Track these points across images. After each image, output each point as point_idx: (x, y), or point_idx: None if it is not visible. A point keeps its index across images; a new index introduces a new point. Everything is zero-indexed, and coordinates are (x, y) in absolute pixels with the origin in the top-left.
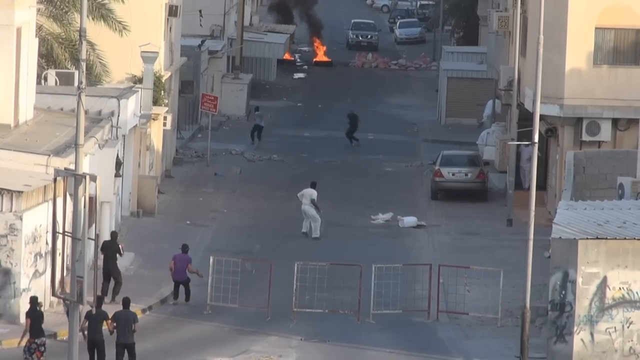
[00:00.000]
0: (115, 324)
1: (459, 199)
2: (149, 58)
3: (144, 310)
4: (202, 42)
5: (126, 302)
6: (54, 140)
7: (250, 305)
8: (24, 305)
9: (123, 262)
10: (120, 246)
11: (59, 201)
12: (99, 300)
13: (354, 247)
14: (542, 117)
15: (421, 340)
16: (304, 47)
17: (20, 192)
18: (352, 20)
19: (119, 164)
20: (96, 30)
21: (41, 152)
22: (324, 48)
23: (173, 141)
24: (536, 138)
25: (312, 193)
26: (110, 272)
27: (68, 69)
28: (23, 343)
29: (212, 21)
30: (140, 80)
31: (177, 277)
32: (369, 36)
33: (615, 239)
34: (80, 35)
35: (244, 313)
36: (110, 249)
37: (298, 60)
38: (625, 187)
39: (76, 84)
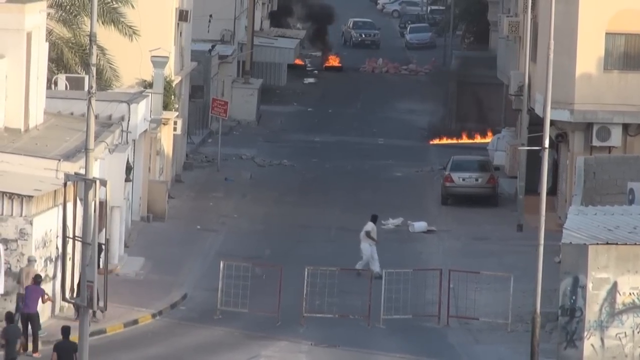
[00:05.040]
0: (56, 355)
1: (469, 204)
2: (159, 63)
3: (154, 315)
4: (213, 46)
5: (65, 332)
6: (64, 145)
7: (260, 310)
8: None
9: (133, 266)
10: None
11: (69, 206)
12: (66, 331)
13: None
14: (552, 122)
15: (431, 346)
16: (315, 52)
17: (30, 197)
18: (351, 20)
19: (129, 169)
20: (106, 35)
21: (51, 156)
22: (337, 58)
23: (183, 146)
24: (546, 143)
25: (366, 226)
26: None
27: (78, 73)
28: None
29: (223, 26)
30: (150, 85)
31: (28, 310)
32: (373, 34)
33: (626, 244)
34: (90, 40)
35: (254, 318)
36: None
37: (308, 65)
38: (635, 193)
39: (86, 88)
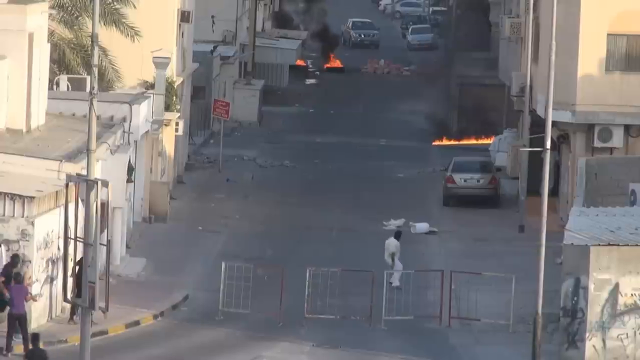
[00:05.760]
0: None
1: (471, 205)
2: (161, 64)
3: (155, 316)
4: (214, 47)
5: (35, 339)
6: (65, 146)
7: (262, 311)
8: (35, 311)
9: (135, 267)
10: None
11: (71, 207)
12: (35, 338)
13: (365, 253)
14: (554, 124)
15: (433, 347)
16: (316, 53)
17: (32, 198)
18: (351, 20)
19: (130, 170)
20: (108, 36)
21: (53, 157)
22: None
23: (185, 147)
24: (548, 144)
25: (390, 244)
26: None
27: (80, 74)
28: None
29: (224, 27)
30: (152, 86)
31: (17, 311)
32: (372, 34)
33: (628, 245)
34: (92, 41)
35: (255, 319)
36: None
37: (310, 66)
38: (637, 194)
39: (88, 89)
